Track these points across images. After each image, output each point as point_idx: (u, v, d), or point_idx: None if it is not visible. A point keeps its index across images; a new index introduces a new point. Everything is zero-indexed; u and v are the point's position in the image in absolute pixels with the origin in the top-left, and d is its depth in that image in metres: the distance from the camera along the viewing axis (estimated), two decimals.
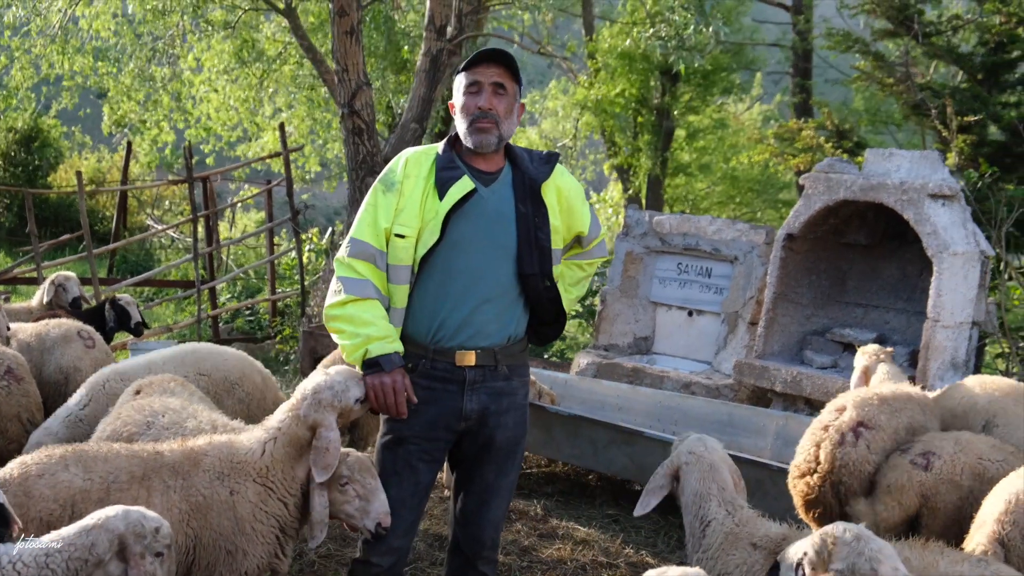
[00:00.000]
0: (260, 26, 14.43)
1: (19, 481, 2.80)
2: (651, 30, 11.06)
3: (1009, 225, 6.59)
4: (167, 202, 20.76)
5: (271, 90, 15.24)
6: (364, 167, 8.60)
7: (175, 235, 16.63)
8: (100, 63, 14.18)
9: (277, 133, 12.11)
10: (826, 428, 3.57)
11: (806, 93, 18.80)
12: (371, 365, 2.91)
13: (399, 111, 14.18)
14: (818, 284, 6.69)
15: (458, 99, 3.04)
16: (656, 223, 7.65)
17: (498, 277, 3.01)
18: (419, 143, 8.34)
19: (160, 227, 15.89)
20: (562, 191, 3.14)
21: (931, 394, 4.18)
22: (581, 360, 7.50)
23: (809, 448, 3.59)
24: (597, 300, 8.49)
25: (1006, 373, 6.52)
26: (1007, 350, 6.71)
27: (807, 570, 2.40)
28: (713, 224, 7.39)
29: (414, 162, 3.05)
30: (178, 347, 4.70)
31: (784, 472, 3.85)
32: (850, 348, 6.32)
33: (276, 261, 11.66)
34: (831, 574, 2.34)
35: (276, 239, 13.16)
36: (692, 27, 10.08)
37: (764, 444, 5.62)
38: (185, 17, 13.29)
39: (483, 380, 3.03)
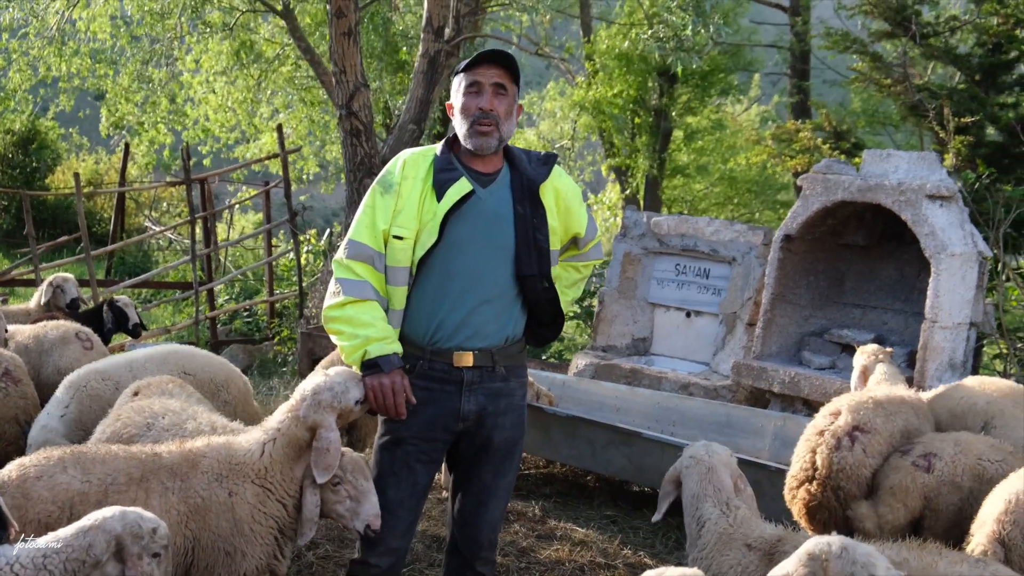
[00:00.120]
0: (258, 28, 14.43)
1: (17, 483, 2.80)
2: (649, 31, 11.07)
3: (1007, 226, 6.59)
4: (165, 204, 20.76)
5: (269, 92, 15.24)
6: (362, 168, 8.60)
7: (173, 237, 16.64)
8: (98, 65, 14.18)
9: (275, 135, 12.11)
10: (821, 433, 3.57)
11: (804, 94, 18.81)
12: (370, 366, 2.91)
13: (397, 112, 14.19)
14: (816, 285, 6.69)
15: (457, 100, 3.03)
16: (654, 224, 7.66)
17: (496, 278, 3.01)
18: (417, 144, 8.35)
19: (158, 229, 15.89)
20: (560, 192, 3.14)
21: (925, 395, 4.19)
22: (579, 361, 7.50)
23: (805, 454, 3.59)
24: (595, 301, 8.49)
25: (1004, 374, 6.52)
26: (1005, 351, 6.71)
27: None
28: (711, 225, 7.40)
29: (412, 163, 3.05)
30: (159, 347, 4.68)
31: (782, 473, 3.85)
32: (848, 349, 6.32)
33: (274, 262, 11.67)
34: None
35: (274, 240, 13.17)
36: (690, 27, 10.09)
37: (762, 445, 5.63)
38: (183, 19, 13.29)
39: (481, 381, 3.03)
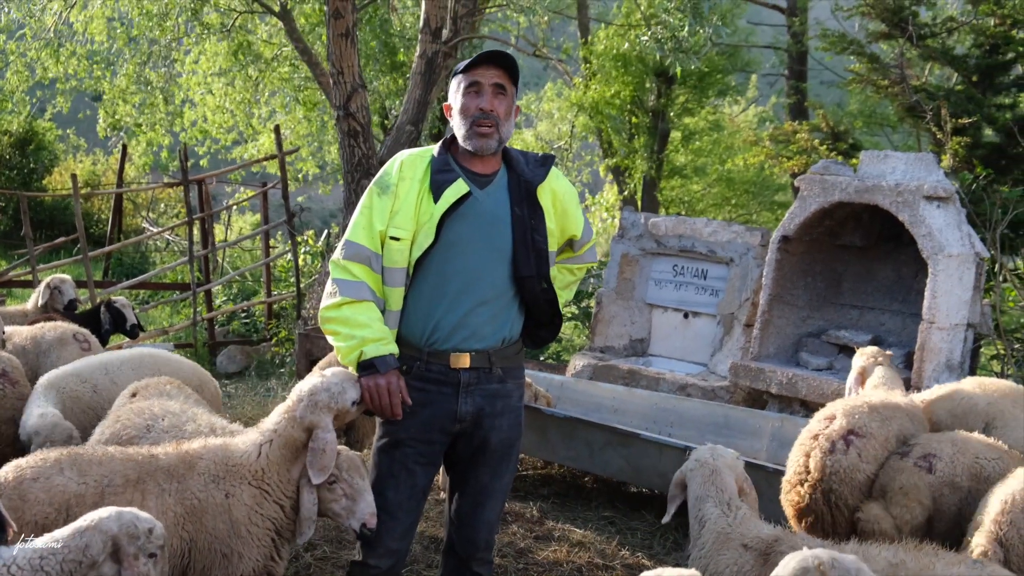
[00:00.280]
0: (256, 29, 14.43)
1: (14, 485, 2.79)
2: (647, 32, 11.07)
3: (1004, 227, 6.60)
4: (162, 205, 20.73)
5: (267, 93, 15.23)
6: (360, 169, 8.60)
7: (170, 238, 16.62)
8: (95, 66, 14.17)
9: (273, 136, 12.09)
10: (816, 437, 3.58)
11: (801, 95, 18.82)
12: (366, 367, 2.91)
13: (394, 113, 14.19)
14: (813, 286, 6.69)
15: (456, 100, 3.03)
16: (652, 225, 7.66)
17: (493, 279, 3.01)
18: (414, 145, 8.34)
19: (155, 230, 15.86)
20: (557, 194, 3.14)
21: (922, 396, 4.19)
22: (577, 362, 7.50)
23: (799, 458, 3.60)
24: (593, 302, 8.49)
25: (1001, 375, 6.52)
26: (1002, 352, 6.72)
27: None
28: (709, 226, 7.40)
29: (409, 164, 3.05)
30: (133, 350, 4.68)
31: (779, 473, 3.85)
32: (846, 350, 6.32)
33: (272, 263, 11.65)
34: None
35: (272, 241, 13.15)
36: (687, 28, 10.09)
37: (760, 446, 5.63)
38: (181, 20, 13.28)
39: (478, 382, 3.03)
